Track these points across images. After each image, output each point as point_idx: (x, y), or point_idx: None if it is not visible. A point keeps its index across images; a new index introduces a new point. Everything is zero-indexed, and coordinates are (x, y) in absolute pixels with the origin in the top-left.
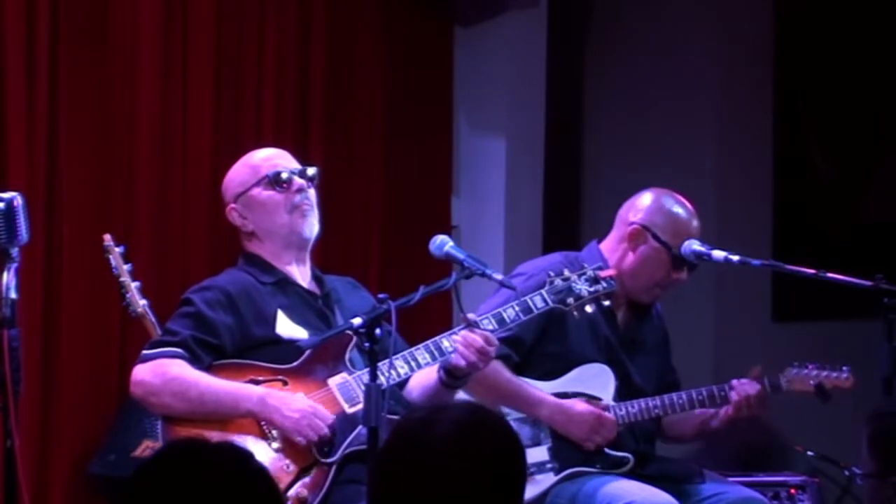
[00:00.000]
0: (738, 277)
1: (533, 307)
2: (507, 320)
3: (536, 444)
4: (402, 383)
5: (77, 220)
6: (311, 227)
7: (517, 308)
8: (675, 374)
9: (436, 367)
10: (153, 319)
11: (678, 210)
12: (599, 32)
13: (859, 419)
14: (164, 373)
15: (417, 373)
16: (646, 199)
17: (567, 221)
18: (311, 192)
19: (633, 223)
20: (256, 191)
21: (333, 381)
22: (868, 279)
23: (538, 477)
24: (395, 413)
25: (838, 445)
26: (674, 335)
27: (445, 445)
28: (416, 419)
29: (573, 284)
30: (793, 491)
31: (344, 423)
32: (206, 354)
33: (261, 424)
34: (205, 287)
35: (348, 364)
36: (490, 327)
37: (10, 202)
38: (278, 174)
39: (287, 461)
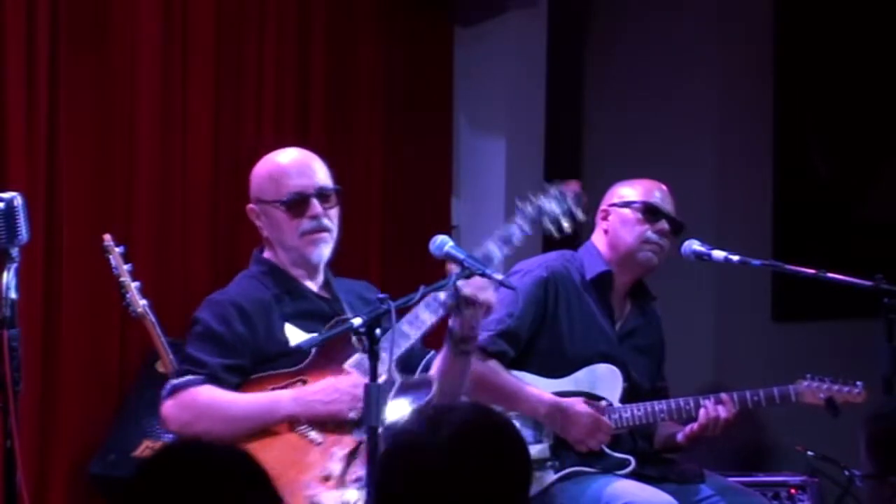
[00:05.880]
0: (738, 277)
1: (512, 237)
2: (494, 258)
3: (538, 441)
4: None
5: (77, 220)
6: (321, 254)
7: (498, 241)
8: (665, 381)
9: (441, 355)
10: (153, 319)
11: (636, 180)
12: (599, 32)
13: (859, 419)
14: (196, 404)
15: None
16: (610, 189)
17: None
18: (332, 212)
19: (600, 210)
20: (274, 206)
21: (350, 363)
22: (868, 279)
23: (538, 474)
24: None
25: (838, 445)
26: (674, 335)
27: (450, 447)
28: (421, 420)
29: (543, 206)
30: (793, 491)
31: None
32: (233, 378)
33: (296, 430)
34: (218, 302)
35: (356, 344)
36: (478, 270)
37: (10, 202)
38: (297, 198)
39: (335, 449)
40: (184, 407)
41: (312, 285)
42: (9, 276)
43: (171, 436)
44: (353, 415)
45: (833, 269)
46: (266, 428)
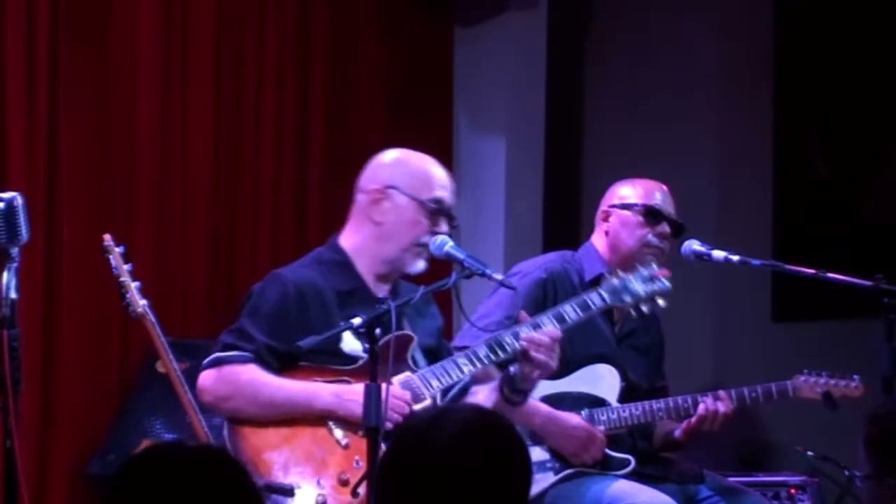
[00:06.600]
0: (738, 277)
1: (591, 304)
2: (567, 319)
3: (537, 443)
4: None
5: (77, 220)
6: (418, 269)
7: (575, 305)
8: (664, 381)
9: (489, 389)
10: (153, 319)
11: (638, 181)
12: (599, 32)
13: (859, 419)
14: (236, 379)
15: (476, 396)
16: (610, 189)
17: (567, 222)
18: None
19: (600, 210)
20: (412, 204)
21: (397, 380)
22: (868, 279)
23: (537, 476)
24: None
25: (838, 445)
26: (674, 335)
27: (450, 447)
28: (422, 421)
29: (629, 283)
30: (793, 491)
31: None
32: (275, 361)
33: (328, 424)
34: (283, 281)
35: (411, 363)
36: (550, 326)
37: (10, 202)
38: (438, 208)
39: (358, 457)
40: (224, 381)
41: (380, 291)
42: (9, 276)
43: (173, 436)
44: (386, 424)
45: (833, 269)
46: (298, 417)
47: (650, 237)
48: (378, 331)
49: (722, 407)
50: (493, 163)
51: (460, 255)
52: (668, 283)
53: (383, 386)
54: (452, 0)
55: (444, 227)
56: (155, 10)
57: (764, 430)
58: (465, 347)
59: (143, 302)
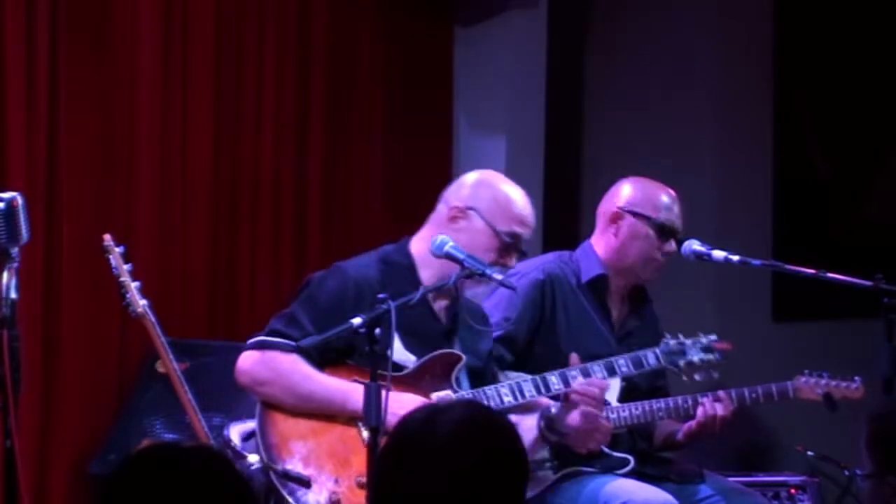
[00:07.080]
0: (738, 277)
1: (644, 362)
2: (618, 372)
3: None
4: None
5: (77, 220)
6: (475, 295)
7: (629, 360)
8: (664, 379)
9: (524, 422)
10: (153, 319)
11: (652, 187)
12: (599, 32)
13: (859, 419)
14: (277, 366)
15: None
16: (620, 187)
17: (567, 221)
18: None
19: (609, 209)
20: (488, 230)
21: (436, 395)
22: (868, 279)
23: (538, 474)
24: None
25: (838, 445)
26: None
27: (447, 445)
28: (418, 419)
29: (687, 349)
30: (793, 491)
31: None
32: (319, 356)
33: (359, 426)
34: (344, 277)
35: (454, 383)
36: (600, 375)
37: (10, 202)
38: (508, 241)
39: None
40: (264, 365)
41: (437, 304)
42: (9, 276)
43: (173, 436)
44: None
45: (833, 269)
46: (330, 413)
47: (656, 254)
48: (377, 331)
49: (721, 409)
50: (493, 163)
51: (460, 255)
52: (723, 357)
53: (413, 396)
54: (452, 0)
55: (512, 261)
56: (155, 10)
57: (764, 430)
58: None
59: (143, 302)
